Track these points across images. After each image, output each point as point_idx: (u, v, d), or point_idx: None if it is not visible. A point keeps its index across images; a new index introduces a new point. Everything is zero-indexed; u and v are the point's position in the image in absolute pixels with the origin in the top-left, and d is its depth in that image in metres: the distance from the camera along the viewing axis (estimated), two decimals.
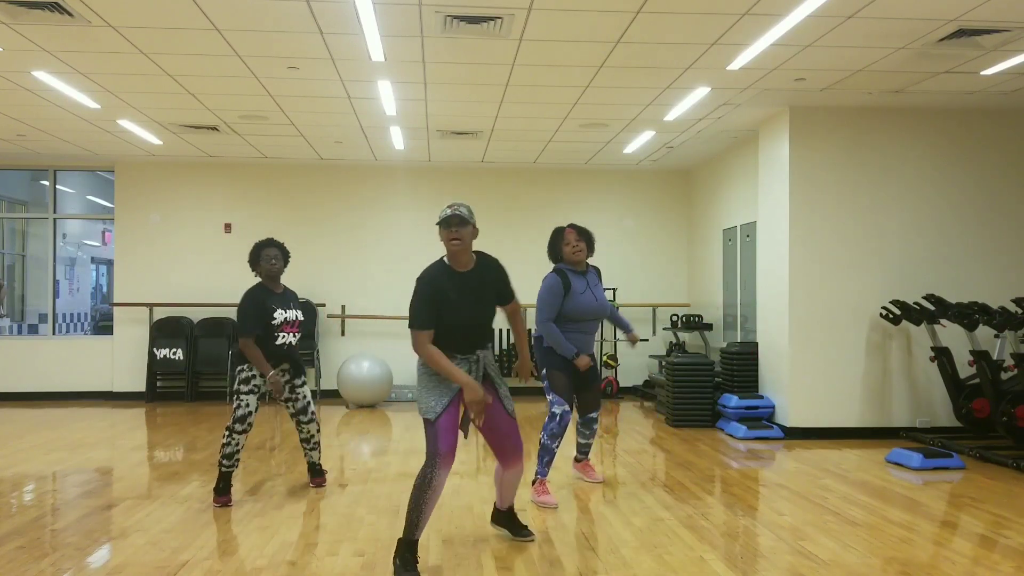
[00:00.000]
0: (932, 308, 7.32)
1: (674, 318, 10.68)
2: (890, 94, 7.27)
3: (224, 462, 5.14)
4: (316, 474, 5.65)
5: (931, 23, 5.48)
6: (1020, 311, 6.95)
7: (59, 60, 6.40)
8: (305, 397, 5.41)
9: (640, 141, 9.30)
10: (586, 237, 5.47)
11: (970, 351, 6.94)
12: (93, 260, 16.40)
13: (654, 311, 11.22)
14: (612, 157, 10.32)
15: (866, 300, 7.73)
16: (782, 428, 7.74)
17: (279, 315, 5.21)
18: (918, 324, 7.38)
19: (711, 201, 10.44)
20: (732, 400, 7.99)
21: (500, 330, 10.60)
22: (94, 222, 15.88)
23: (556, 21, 5.47)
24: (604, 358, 10.88)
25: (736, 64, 6.35)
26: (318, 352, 10.64)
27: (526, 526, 4.46)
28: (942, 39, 5.77)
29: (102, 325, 14.34)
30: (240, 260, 10.29)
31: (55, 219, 11.04)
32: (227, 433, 5.13)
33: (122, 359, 10.66)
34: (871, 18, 5.38)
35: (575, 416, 5.67)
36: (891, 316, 7.49)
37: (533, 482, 5.34)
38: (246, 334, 5.11)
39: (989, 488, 5.71)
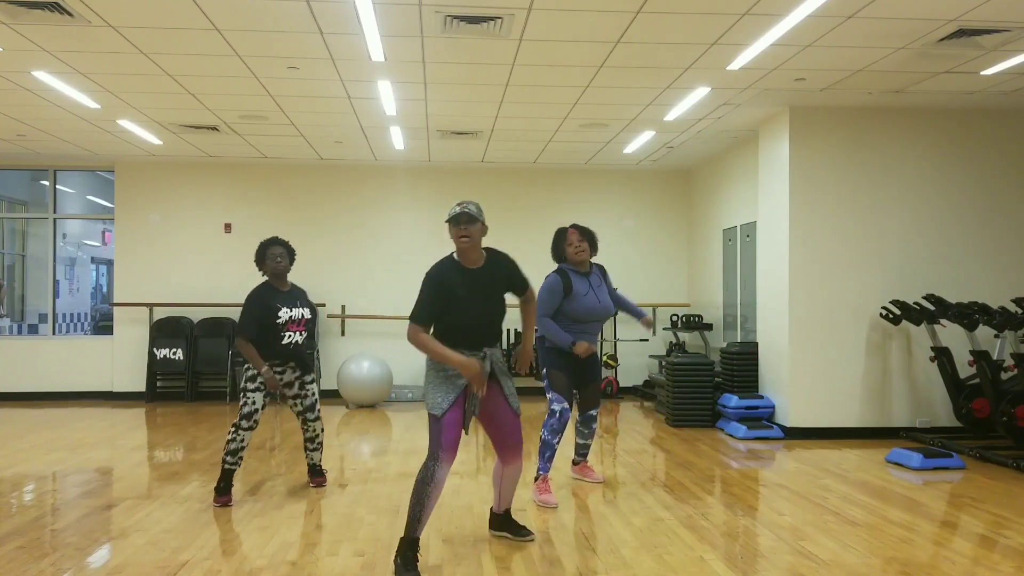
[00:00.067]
0: (932, 308, 7.32)
1: (674, 318, 10.68)
2: (890, 94, 7.27)
3: (228, 458, 5.15)
4: (316, 474, 5.65)
5: (931, 23, 5.48)
6: (1020, 311, 6.95)
7: (59, 60, 6.40)
8: (313, 395, 5.43)
9: (640, 141, 9.30)
10: (589, 237, 5.48)
11: (970, 351, 6.94)
12: (93, 260, 16.40)
13: (654, 311, 11.20)
14: (612, 157, 10.32)
15: (866, 300, 7.73)
16: (782, 428, 7.74)
17: (284, 314, 5.20)
18: (918, 324, 7.38)
19: (711, 201, 10.44)
20: (732, 400, 7.99)
21: (507, 330, 10.59)
22: (94, 222, 15.88)
23: (556, 21, 5.47)
24: (604, 358, 10.88)
25: (736, 64, 6.35)
26: (318, 352, 10.64)
27: (525, 526, 4.46)
28: (942, 39, 5.77)
29: (102, 325, 14.35)
30: (240, 260, 10.40)
31: (55, 219, 11.04)
32: (233, 429, 5.16)
33: (122, 359, 10.66)
34: (871, 18, 5.39)
35: (575, 415, 5.68)
36: (891, 316, 7.49)
37: (536, 479, 5.37)
38: (242, 333, 5.13)
39: (989, 488, 5.71)
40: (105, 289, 16.74)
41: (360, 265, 10.91)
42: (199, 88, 7.17)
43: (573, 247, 5.42)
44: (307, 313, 5.35)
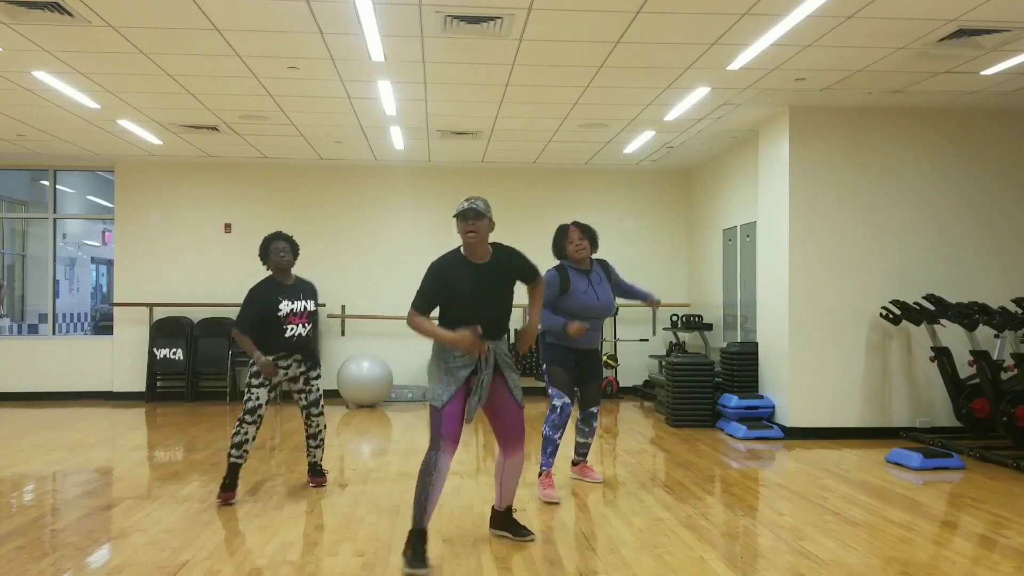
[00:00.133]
0: (932, 308, 7.31)
1: (674, 318, 10.68)
2: (890, 94, 7.27)
3: (233, 451, 5.20)
4: (316, 474, 5.65)
5: (931, 23, 5.48)
6: (1020, 311, 6.95)
7: (59, 60, 6.40)
8: (317, 391, 5.47)
9: (640, 141, 9.30)
10: (589, 235, 5.50)
11: (970, 351, 6.94)
12: (93, 260, 16.40)
13: (654, 311, 11.21)
14: (612, 157, 10.32)
15: (866, 300, 7.73)
16: (782, 428, 7.74)
17: (284, 306, 5.24)
18: (918, 324, 7.38)
19: (711, 201, 10.44)
20: (732, 400, 7.99)
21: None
22: (94, 222, 15.88)
23: (556, 21, 5.47)
24: (604, 358, 10.88)
25: (736, 64, 6.35)
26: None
27: (525, 526, 4.46)
28: (942, 39, 5.77)
29: (102, 325, 14.34)
30: (240, 260, 10.40)
31: (55, 219, 11.04)
32: (237, 423, 5.22)
33: (122, 359, 10.66)
34: (871, 18, 5.38)
35: (575, 413, 5.69)
36: (891, 316, 7.49)
37: (539, 474, 5.42)
38: (238, 325, 5.23)
39: (989, 488, 5.71)
40: (105, 289, 16.74)
41: (360, 265, 10.91)
42: (199, 88, 7.17)
43: (574, 245, 5.44)
44: (311, 305, 5.38)
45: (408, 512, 4.90)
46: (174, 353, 10.46)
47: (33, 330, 13.44)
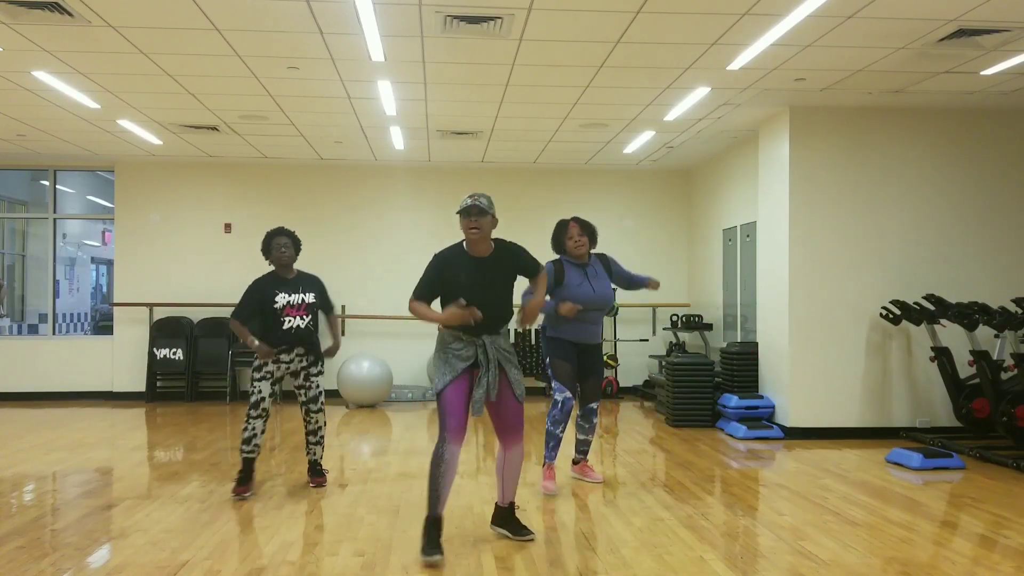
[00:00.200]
0: (932, 308, 7.31)
1: (674, 318, 10.68)
2: (890, 94, 7.27)
3: (243, 447, 5.32)
4: (316, 474, 5.65)
5: (931, 23, 5.48)
6: (1020, 311, 6.95)
7: (59, 60, 6.40)
8: (317, 387, 5.49)
9: (640, 141, 9.30)
10: (589, 232, 5.59)
11: (970, 351, 6.94)
12: (93, 260, 16.40)
13: (654, 311, 11.22)
14: (612, 157, 10.32)
15: (866, 300, 7.73)
16: (782, 428, 7.74)
17: (281, 299, 5.32)
18: (918, 324, 7.38)
19: (711, 201, 10.44)
20: (732, 400, 7.99)
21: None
22: (94, 222, 15.88)
23: (556, 21, 5.47)
24: (604, 358, 10.87)
25: (736, 64, 6.35)
26: None
27: (526, 526, 4.46)
28: (942, 39, 5.77)
29: (102, 325, 14.34)
30: (240, 260, 10.40)
31: (55, 219, 11.04)
32: (245, 419, 5.31)
33: (122, 359, 10.66)
34: (871, 18, 5.39)
35: (576, 409, 5.73)
36: (891, 316, 7.49)
37: (543, 465, 5.56)
38: (234, 315, 5.35)
39: (989, 488, 5.71)
40: (105, 289, 16.74)
41: (360, 265, 10.90)
42: (199, 88, 7.17)
43: (573, 241, 5.52)
44: (309, 298, 5.41)
45: (408, 512, 4.93)
46: (174, 353, 10.46)
47: (33, 330, 13.44)
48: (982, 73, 6.58)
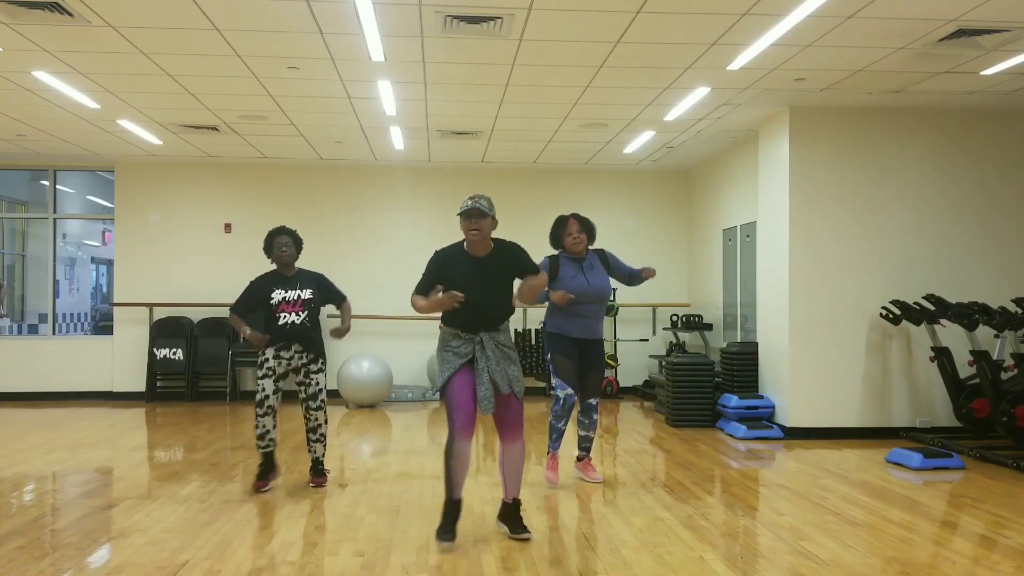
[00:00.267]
0: (932, 308, 7.31)
1: (674, 318, 10.68)
2: (890, 94, 7.27)
3: (258, 443, 5.46)
4: (317, 474, 5.65)
5: (931, 23, 5.48)
6: (1020, 311, 6.95)
7: (59, 60, 6.40)
8: (317, 384, 5.50)
9: (640, 141, 9.30)
10: (587, 229, 5.67)
11: (970, 351, 6.94)
12: (93, 260, 16.39)
13: (654, 311, 11.22)
14: (612, 157, 10.32)
15: (866, 300, 7.73)
16: (782, 428, 7.73)
17: (277, 295, 5.40)
18: (918, 324, 7.38)
19: (711, 201, 10.44)
20: (732, 400, 7.99)
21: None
22: (94, 222, 15.87)
23: (556, 21, 5.47)
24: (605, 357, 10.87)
25: (736, 64, 6.35)
26: None
27: (525, 526, 4.45)
28: (942, 39, 5.77)
29: (102, 325, 14.34)
30: (240, 260, 10.38)
31: (55, 219, 11.04)
32: (255, 418, 5.44)
33: (122, 359, 10.66)
34: (871, 18, 5.38)
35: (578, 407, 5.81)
36: (891, 316, 7.49)
37: (547, 455, 5.77)
38: (232, 308, 5.51)
39: (989, 488, 5.71)
40: (105, 289, 16.74)
41: (360, 265, 10.89)
42: (199, 88, 7.17)
43: (572, 237, 5.60)
44: (305, 294, 5.43)
45: (408, 512, 4.95)
46: (174, 353, 10.46)
47: (33, 330, 13.44)
48: (982, 73, 6.58)
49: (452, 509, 4.30)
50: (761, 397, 8.03)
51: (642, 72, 6.63)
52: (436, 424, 8.67)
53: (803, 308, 7.70)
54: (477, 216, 4.19)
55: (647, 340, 11.17)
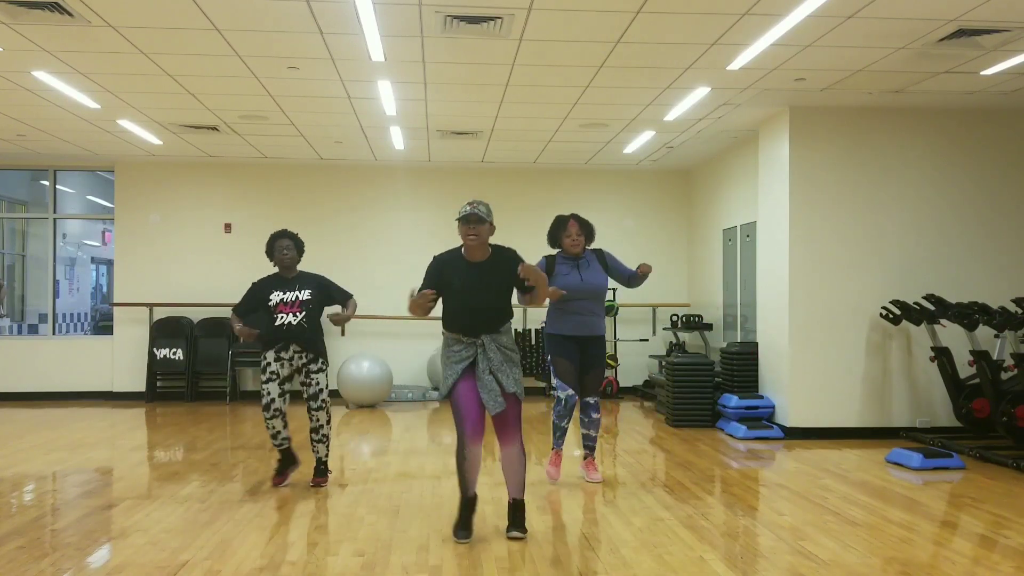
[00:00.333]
0: (932, 308, 7.31)
1: (674, 318, 10.68)
2: (890, 94, 7.27)
3: (272, 442, 5.58)
4: (318, 474, 5.66)
5: (931, 23, 5.48)
6: (1020, 311, 6.95)
7: (59, 60, 6.40)
8: (318, 384, 5.51)
9: (640, 141, 9.30)
10: (587, 231, 5.71)
11: (970, 351, 6.94)
12: (93, 260, 16.39)
13: (654, 311, 11.22)
14: (612, 157, 10.32)
15: (866, 300, 7.73)
16: (782, 428, 7.73)
17: (275, 296, 5.45)
18: (918, 324, 7.38)
19: (711, 201, 10.44)
20: (732, 400, 7.99)
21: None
22: (94, 222, 15.87)
23: (556, 21, 5.47)
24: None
25: (736, 64, 6.35)
26: None
27: (522, 525, 4.44)
28: (942, 39, 5.77)
29: (102, 325, 14.34)
30: (240, 260, 10.40)
31: (55, 219, 11.04)
32: (264, 421, 5.56)
33: (122, 359, 10.65)
34: (871, 18, 5.38)
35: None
36: (891, 316, 7.49)
37: (552, 451, 5.86)
38: (233, 309, 5.60)
39: (989, 488, 5.71)
40: (105, 289, 16.74)
41: (360, 265, 10.88)
42: (199, 88, 7.17)
43: (571, 239, 5.65)
44: (304, 295, 5.45)
45: (408, 512, 4.96)
46: (174, 353, 10.46)
47: (33, 330, 13.44)
48: (982, 73, 6.58)
49: (467, 506, 4.39)
50: (761, 397, 8.03)
51: (642, 72, 6.63)
52: (436, 424, 8.67)
53: (803, 308, 7.69)
54: (475, 222, 4.23)
55: (647, 340, 11.17)
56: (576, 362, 5.63)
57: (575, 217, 5.68)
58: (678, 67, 6.49)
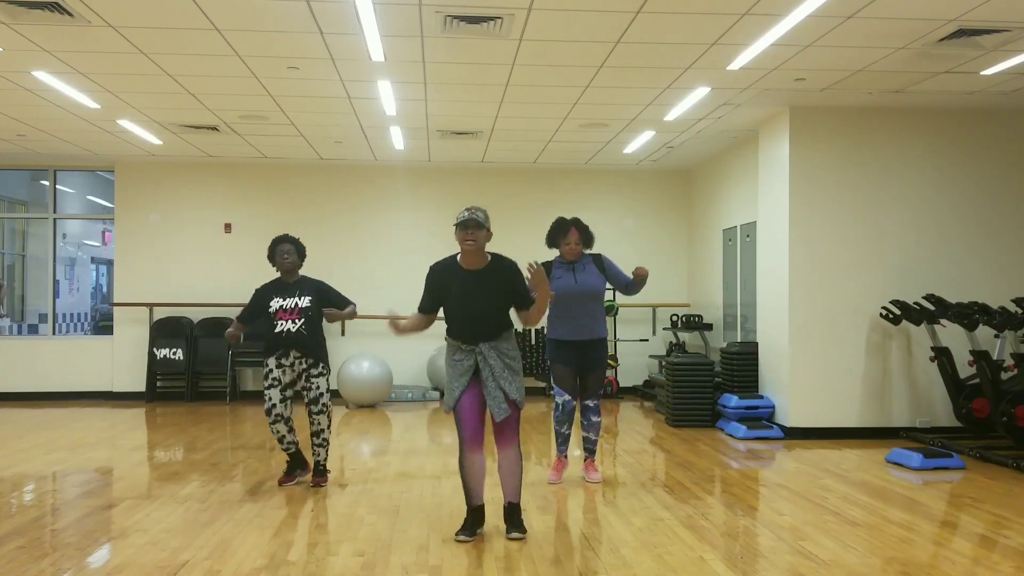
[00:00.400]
0: (932, 308, 7.31)
1: (674, 318, 10.68)
2: (890, 94, 7.27)
3: (280, 445, 5.62)
4: (317, 474, 5.66)
5: (931, 23, 5.48)
6: (1020, 311, 6.95)
7: (59, 60, 6.40)
8: (318, 388, 5.53)
9: (640, 141, 9.30)
10: (585, 238, 5.73)
11: (970, 351, 6.94)
12: (93, 260, 16.39)
13: (654, 311, 11.22)
14: (612, 157, 10.32)
15: (866, 300, 7.73)
16: (782, 428, 7.73)
17: (275, 303, 5.47)
18: (918, 324, 7.38)
19: (711, 201, 10.44)
20: (732, 400, 7.99)
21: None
22: (94, 222, 15.87)
23: (556, 21, 5.47)
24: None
25: (736, 64, 6.35)
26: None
27: (519, 526, 4.45)
28: (942, 39, 5.77)
29: (102, 325, 14.34)
30: (240, 260, 10.41)
31: (55, 219, 11.04)
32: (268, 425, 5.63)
33: (122, 359, 10.65)
34: (871, 18, 5.38)
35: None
36: (891, 316, 7.49)
37: (555, 457, 5.91)
38: (237, 318, 5.67)
39: (989, 488, 5.71)
40: (105, 289, 16.74)
41: (360, 265, 10.89)
42: (199, 88, 7.17)
43: (569, 247, 5.67)
44: (303, 302, 5.45)
45: (408, 512, 4.96)
46: (174, 353, 10.46)
47: (33, 330, 13.44)
48: (982, 73, 6.58)
49: (473, 515, 4.44)
50: (761, 397, 8.03)
51: (642, 72, 6.63)
52: (436, 424, 8.67)
53: (803, 308, 7.69)
54: (474, 227, 4.23)
55: (647, 340, 11.18)
56: (575, 367, 5.67)
57: (576, 226, 5.68)
58: (678, 67, 6.49)
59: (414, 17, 5.41)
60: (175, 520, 4.77)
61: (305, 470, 5.75)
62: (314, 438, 5.61)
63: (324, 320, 5.58)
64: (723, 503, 5.26)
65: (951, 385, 7.22)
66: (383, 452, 7.09)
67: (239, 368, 10.62)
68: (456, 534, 4.39)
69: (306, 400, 5.55)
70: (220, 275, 10.62)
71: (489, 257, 4.36)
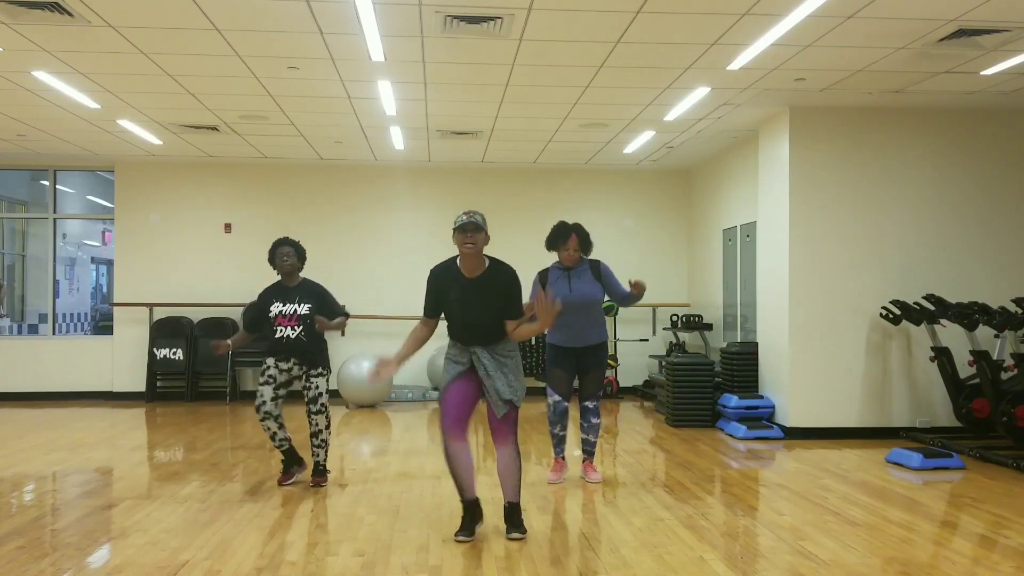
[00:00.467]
0: (932, 308, 7.31)
1: (674, 318, 10.68)
2: (890, 94, 7.27)
3: (272, 442, 5.67)
4: (317, 474, 5.66)
5: (931, 23, 5.48)
6: (1020, 311, 6.95)
7: (59, 60, 6.40)
8: (317, 388, 5.55)
9: (640, 141, 9.30)
10: (584, 245, 5.74)
11: (970, 351, 6.94)
12: (93, 260, 16.39)
13: (654, 311, 11.22)
14: (612, 157, 10.32)
15: (866, 300, 7.73)
16: (782, 428, 7.73)
17: (275, 308, 5.49)
18: (918, 324, 7.38)
19: (711, 201, 10.44)
20: (732, 400, 7.99)
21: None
22: (94, 222, 15.88)
23: (556, 21, 5.47)
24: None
25: (736, 64, 6.35)
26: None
27: (519, 526, 4.45)
28: (942, 39, 5.77)
29: (102, 325, 14.34)
30: (240, 260, 10.41)
31: (55, 219, 11.04)
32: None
33: (122, 359, 10.66)
34: (871, 18, 5.39)
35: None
36: (891, 316, 7.49)
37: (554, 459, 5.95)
38: (242, 322, 5.75)
39: (989, 488, 5.71)
40: (105, 289, 16.74)
41: (360, 265, 10.90)
42: (199, 88, 7.17)
43: (568, 253, 5.69)
44: (302, 308, 5.45)
45: (408, 512, 4.96)
46: (174, 353, 10.46)
47: (33, 330, 13.44)
48: (982, 73, 6.58)
49: (467, 510, 4.42)
50: (761, 397, 8.03)
51: (642, 72, 6.63)
52: (436, 424, 8.67)
53: (803, 308, 7.69)
54: (472, 230, 4.25)
55: (647, 340, 11.17)
56: (571, 371, 5.74)
57: (576, 232, 5.67)
58: (678, 67, 6.49)
59: (414, 17, 5.41)
60: (175, 520, 4.77)
61: (302, 467, 5.76)
62: (313, 439, 5.62)
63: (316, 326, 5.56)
64: (723, 503, 5.26)
65: (951, 385, 7.22)
66: (383, 452, 7.09)
67: (239, 368, 10.62)
68: (456, 534, 4.39)
69: (305, 400, 5.57)
70: (220, 275, 10.62)
71: (488, 263, 4.37)
